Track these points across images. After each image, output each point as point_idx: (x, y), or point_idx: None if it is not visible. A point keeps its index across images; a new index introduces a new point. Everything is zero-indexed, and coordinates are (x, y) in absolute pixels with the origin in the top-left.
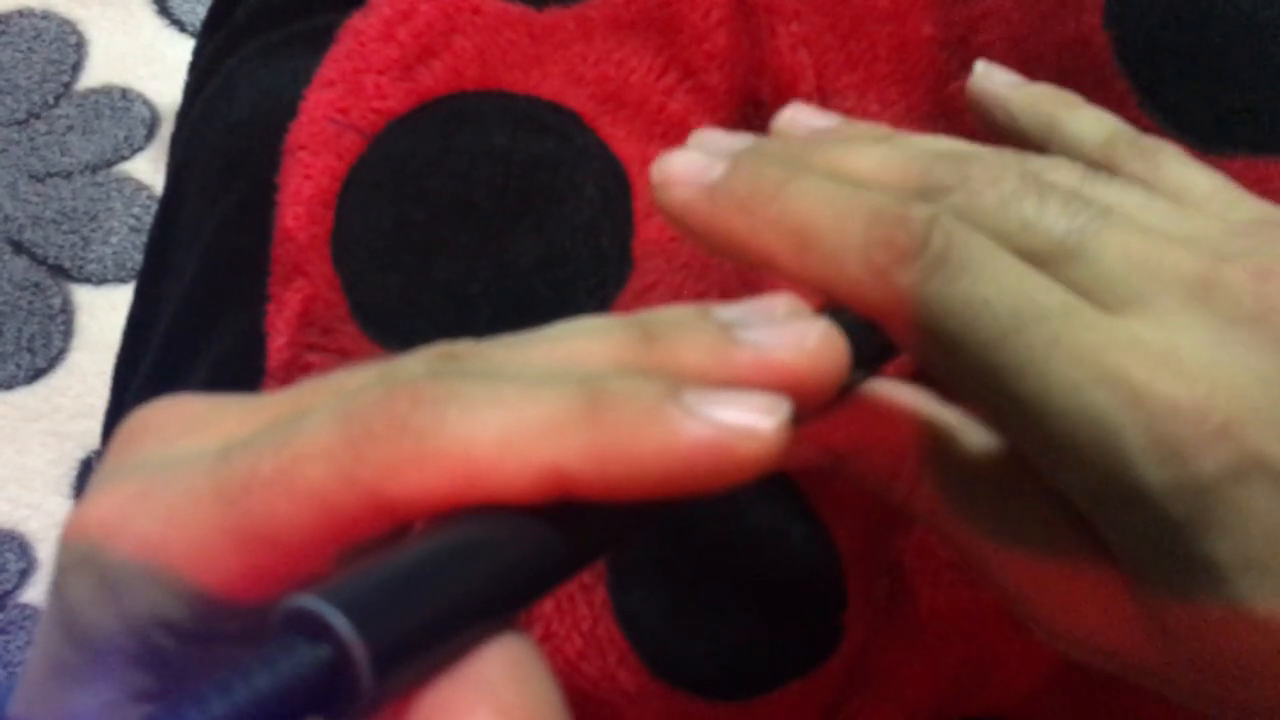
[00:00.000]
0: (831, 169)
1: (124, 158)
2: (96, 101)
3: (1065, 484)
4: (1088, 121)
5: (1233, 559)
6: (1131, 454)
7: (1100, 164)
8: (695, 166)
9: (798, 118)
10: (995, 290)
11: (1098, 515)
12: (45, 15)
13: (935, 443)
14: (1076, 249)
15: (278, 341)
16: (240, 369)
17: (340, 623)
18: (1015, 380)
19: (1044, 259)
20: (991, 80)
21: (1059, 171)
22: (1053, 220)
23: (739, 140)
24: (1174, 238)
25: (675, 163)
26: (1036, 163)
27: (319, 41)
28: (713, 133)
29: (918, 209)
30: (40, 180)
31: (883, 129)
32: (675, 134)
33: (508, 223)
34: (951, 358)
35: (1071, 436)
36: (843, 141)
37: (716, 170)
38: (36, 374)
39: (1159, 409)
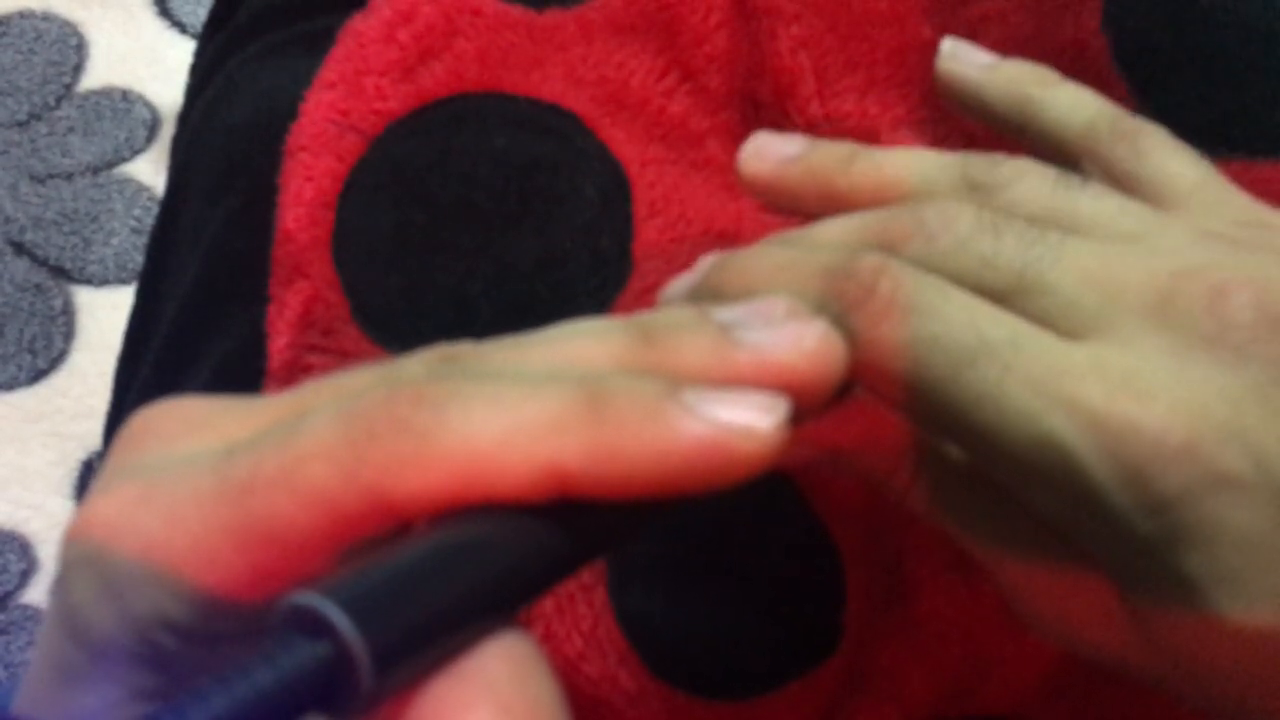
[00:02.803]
0: (809, 243)
1: (125, 159)
2: (97, 103)
3: (1037, 507)
4: (1065, 103)
5: (1205, 572)
6: (1094, 477)
7: (1080, 151)
8: (683, 280)
9: (763, 146)
10: (943, 327)
11: (1074, 536)
12: (46, 17)
13: (926, 448)
14: (1036, 281)
15: (279, 342)
16: (241, 370)
17: (341, 620)
18: (973, 412)
19: (1006, 294)
20: (960, 61)
21: (1028, 181)
22: (1010, 255)
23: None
24: (1136, 254)
25: (672, 284)
26: (1007, 170)
27: (319, 43)
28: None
29: (866, 260)
30: (41, 182)
31: (847, 145)
32: (675, 136)
33: (508, 224)
34: (912, 397)
35: (1034, 464)
36: (816, 223)
37: (696, 276)
38: (38, 375)
39: (1119, 431)
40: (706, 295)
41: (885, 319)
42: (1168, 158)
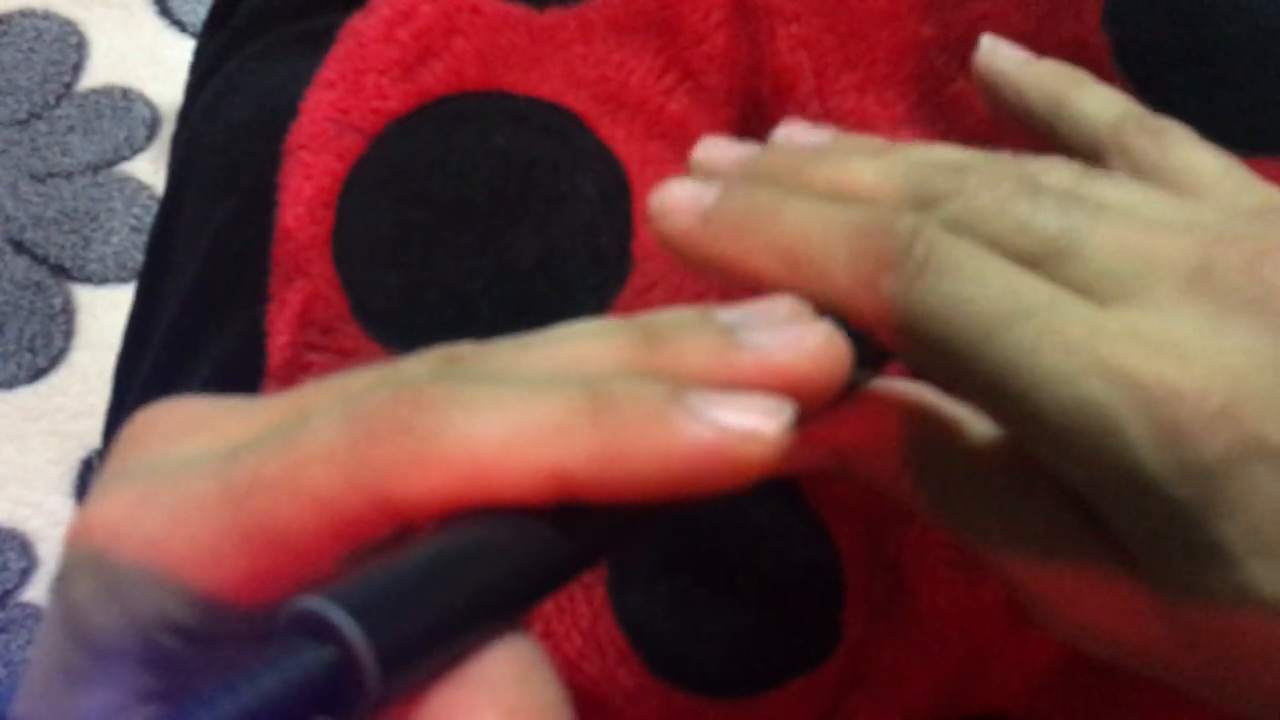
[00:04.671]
0: (830, 184)
1: (125, 158)
2: (97, 102)
3: (1070, 476)
4: (1097, 100)
5: (1240, 543)
6: (1132, 441)
7: (1109, 145)
8: (690, 194)
9: (794, 135)
10: (978, 289)
11: (1105, 506)
12: (46, 16)
13: (934, 449)
14: (1071, 247)
15: (279, 341)
16: (241, 368)
17: (346, 624)
18: (1008, 376)
19: (1041, 259)
20: (998, 57)
21: (1056, 172)
22: (1046, 220)
23: (741, 151)
24: (1170, 227)
25: (670, 192)
26: (1034, 165)
27: (319, 42)
28: (715, 143)
29: (901, 219)
30: (41, 180)
31: (878, 140)
32: (674, 135)
33: (508, 223)
34: (944, 360)
35: (1070, 428)
36: (843, 156)
37: (709, 197)
38: (38, 373)
39: (1157, 395)
40: (726, 236)
41: (919, 280)
42: (1192, 150)
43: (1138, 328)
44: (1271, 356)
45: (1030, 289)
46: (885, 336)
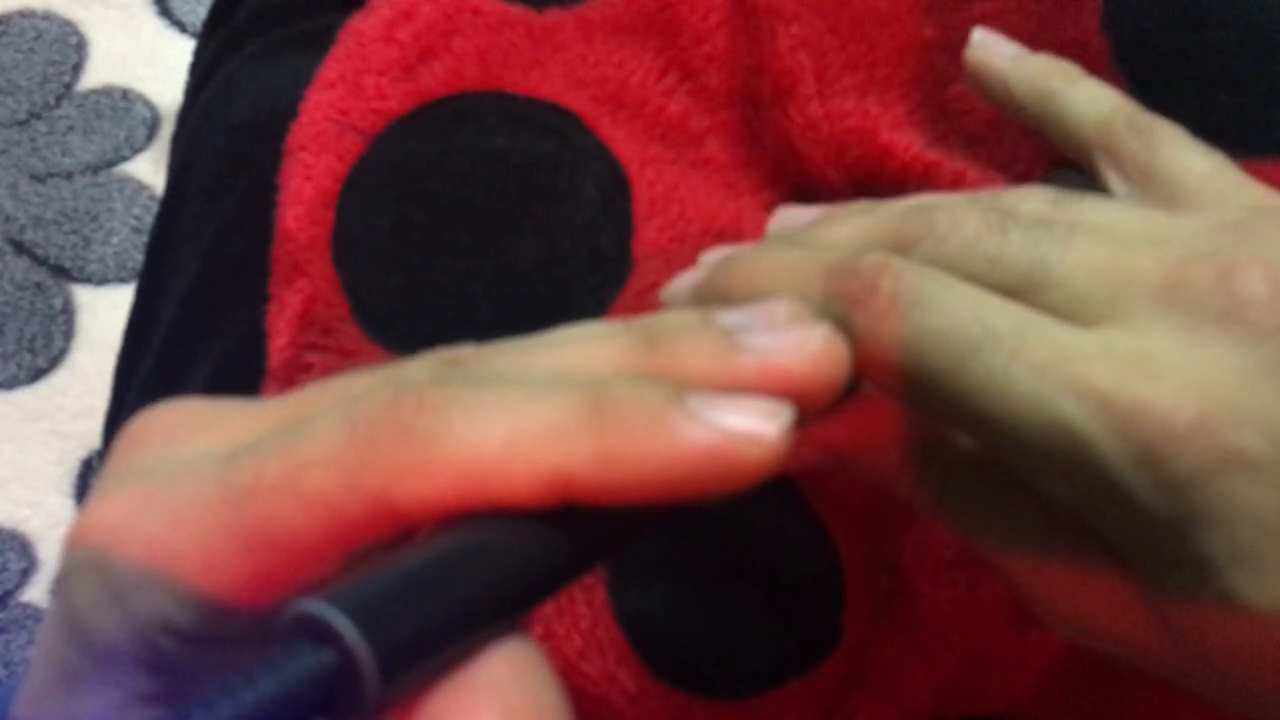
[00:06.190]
0: (816, 242)
1: (125, 158)
2: (97, 102)
3: (1052, 494)
4: (1084, 97)
5: (1222, 553)
6: (1107, 459)
7: (1095, 145)
8: (686, 278)
9: (785, 216)
10: (947, 319)
11: (1089, 520)
12: (46, 16)
13: (931, 448)
14: (1044, 276)
15: (279, 341)
16: (241, 369)
17: (346, 627)
18: (982, 400)
19: (1017, 291)
20: (989, 51)
21: (1032, 201)
22: (1016, 253)
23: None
24: (1143, 245)
25: (674, 282)
26: (1010, 196)
27: (319, 42)
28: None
29: (867, 258)
30: (41, 181)
31: (866, 203)
32: (674, 136)
33: (508, 223)
34: (921, 391)
35: (1046, 449)
36: (830, 220)
37: (700, 274)
38: (38, 374)
39: (1128, 411)
40: (710, 295)
41: (888, 315)
42: (1181, 152)
43: (1110, 347)
44: (1243, 368)
45: (999, 314)
46: (865, 373)
